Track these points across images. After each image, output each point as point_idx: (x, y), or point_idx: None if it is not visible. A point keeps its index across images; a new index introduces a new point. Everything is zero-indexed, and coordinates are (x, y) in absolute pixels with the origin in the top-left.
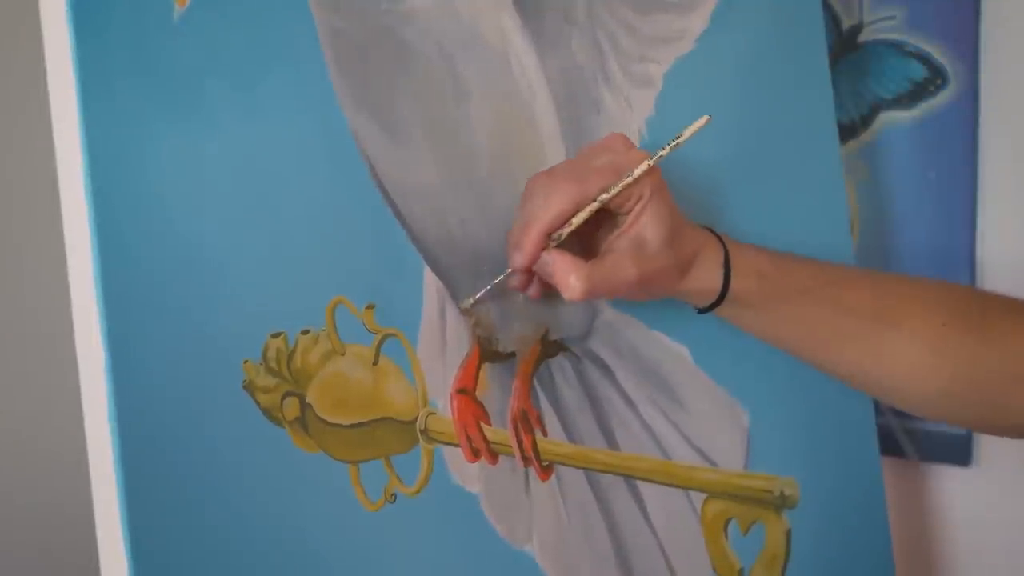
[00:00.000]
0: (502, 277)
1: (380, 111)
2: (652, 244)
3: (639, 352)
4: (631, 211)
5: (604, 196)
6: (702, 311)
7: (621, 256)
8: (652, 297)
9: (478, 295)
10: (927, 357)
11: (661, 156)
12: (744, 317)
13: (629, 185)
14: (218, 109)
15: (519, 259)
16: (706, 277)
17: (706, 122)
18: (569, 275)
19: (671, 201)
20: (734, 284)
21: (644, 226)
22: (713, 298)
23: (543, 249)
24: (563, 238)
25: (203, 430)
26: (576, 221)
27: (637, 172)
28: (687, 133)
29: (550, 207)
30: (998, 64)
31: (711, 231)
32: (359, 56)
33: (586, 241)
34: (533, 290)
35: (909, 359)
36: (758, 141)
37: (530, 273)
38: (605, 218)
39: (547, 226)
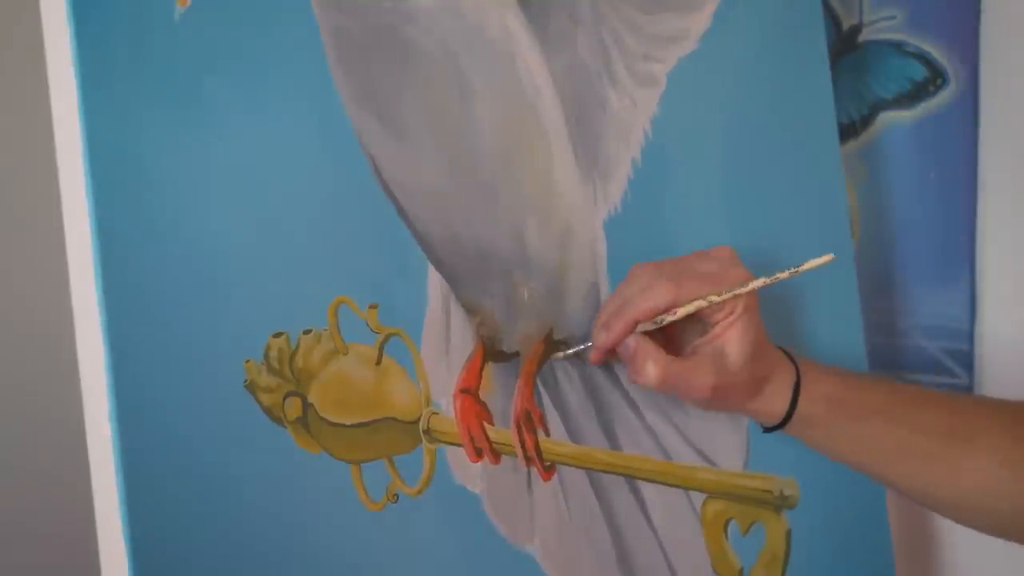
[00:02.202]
0: (582, 348)
1: (383, 110)
2: (734, 359)
3: None
4: (719, 322)
5: (700, 302)
6: (767, 430)
7: (702, 361)
8: (715, 408)
9: (562, 355)
10: (1001, 470)
11: (768, 282)
12: (811, 437)
13: (726, 300)
14: (220, 108)
15: (604, 339)
16: (774, 400)
17: (828, 260)
18: (647, 361)
19: (759, 321)
20: (801, 407)
21: (730, 340)
22: (779, 419)
23: (628, 335)
24: (649, 329)
25: (204, 430)
26: (663, 321)
27: (739, 290)
28: (806, 266)
29: (645, 301)
30: (998, 64)
31: (787, 353)
32: (362, 55)
33: (669, 336)
34: (597, 358)
35: (981, 473)
36: (758, 141)
37: (610, 351)
38: (694, 320)
39: (637, 317)
